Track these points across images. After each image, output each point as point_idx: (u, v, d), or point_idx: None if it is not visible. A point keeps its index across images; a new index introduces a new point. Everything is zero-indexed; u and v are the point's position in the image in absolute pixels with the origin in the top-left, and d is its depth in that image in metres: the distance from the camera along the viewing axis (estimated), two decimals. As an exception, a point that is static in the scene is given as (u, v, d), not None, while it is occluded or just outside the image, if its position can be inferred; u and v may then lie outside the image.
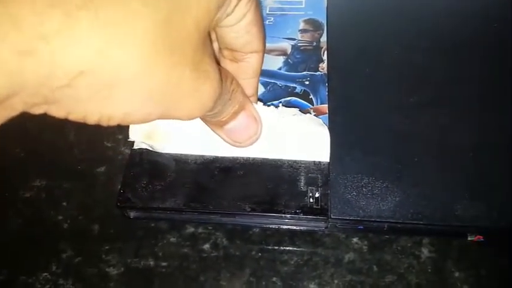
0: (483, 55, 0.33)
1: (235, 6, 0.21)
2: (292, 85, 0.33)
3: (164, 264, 0.28)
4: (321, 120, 0.30)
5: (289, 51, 0.35)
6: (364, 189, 0.27)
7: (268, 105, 0.29)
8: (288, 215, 0.27)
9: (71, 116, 0.17)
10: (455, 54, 0.33)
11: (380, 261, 0.28)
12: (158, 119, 0.19)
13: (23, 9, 0.13)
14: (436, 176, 0.27)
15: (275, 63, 0.34)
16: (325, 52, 0.34)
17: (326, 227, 0.28)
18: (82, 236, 0.29)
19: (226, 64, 0.25)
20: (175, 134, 0.29)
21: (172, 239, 0.29)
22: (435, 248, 0.28)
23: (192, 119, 0.20)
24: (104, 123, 0.17)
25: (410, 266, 0.27)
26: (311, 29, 0.36)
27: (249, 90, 0.27)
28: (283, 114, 0.28)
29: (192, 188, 0.28)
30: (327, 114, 0.30)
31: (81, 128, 0.34)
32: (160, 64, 0.16)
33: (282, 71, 0.34)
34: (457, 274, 0.27)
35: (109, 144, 0.33)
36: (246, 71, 0.26)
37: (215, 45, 0.26)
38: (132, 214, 0.29)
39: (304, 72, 0.33)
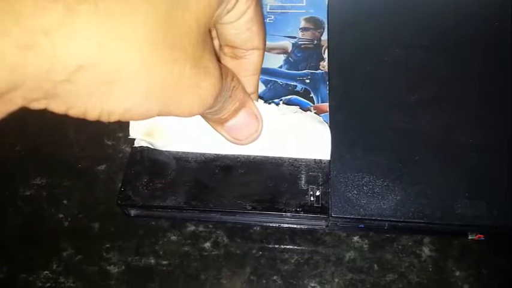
0: (484, 53, 0.33)
1: (236, 2, 0.21)
2: (292, 83, 0.33)
3: (165, 262, 0.28)
4: (321, 117, 0.30)
5: (289, 49, 0.35)
6: (365, 188, 0.27)
7: (269, 103, 0.29)
8: (289, 214, 0.26)
9: (71, 112, 0.17)
10: (456, 52, 0.33)
11: (381, 259, 0.28)
12: (158, 115, 0.19)
13: (24, 3, 0.13)
14: (436, 174, 0.27)
15: (276, 61, 0.34)
16: (326, 50, 0.34)
17: (327, 226, 0.28)
18: (83, 234, 0.29)
19: (227, 61, 0.25)
20: (176, 132, 0.29)
21: (173, 237, 0.29)
22: (436, 247, 0.28)
23: (193, 115, 0.20)
24: (104, 119, 0.17)
25: (411, 264, 0.27)
26: (312, 27, 0.36)
27: (250, 88, 0.27)
28: (283, 112, 0.28)
29: (192, 186, 0.28)
30: (328, 113, 0.30)
31: (82, 126, 0.34)
32: (161, 59, 0.16)
33: (283, 69, 0.34)
34: (457, 273, 0.27)
35: (109, 142, 0.33)
36: (246, 68, 0.25)
37: (216, 43, 0.25)
38: (132, 212, 0.29)
39: (305, 71, 0.33)
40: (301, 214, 0.26)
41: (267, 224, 0.29)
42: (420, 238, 0.28)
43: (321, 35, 0.35)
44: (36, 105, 0.16)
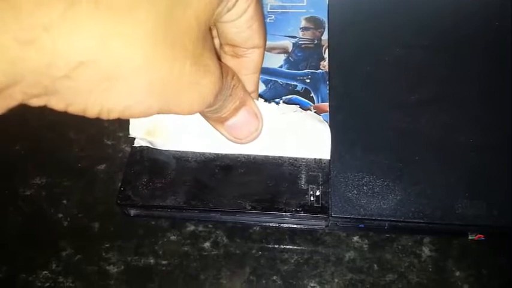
0: (484, 53, 0.33)
1: (237, 1, 0.21)
2: (293, 83, 0.33)
3: (164, 262, 0.28)
4: (321, 117, 0.29)
5: (290, 49, 0.35)
6: (365, 188, 0.27)
7: (269, 102, 0.29)
8: (289, 214, 0.26)
9: (70, 109, 0.17)
10: (456, 52, 0.33)
11: (380, 260, 0.28)
12: (158, 113, 0.19)
13: None
14: (437, 174, 0.27)
15: (276, 61, 0.34)
16: (326, 50, 0.34)
17: (327, 226, 0.28)
18: (82, 234, 0.29)
19: (228, 60, 0.25)
20: (176, 131, 0.29)
21: (173, 237, 0.29)
22: (436, 247, 0.28)
23: (193, 113, 0.20)
24: (104, 116, 0.17)
25: (411, 264, 0.27)
26: (312, 26, 0.36)
27: (250, 87, 0.27)
28: (283, 111, 0.28)
29: (192, 186, 0.28)
30: (328, 112, 0.30)
31: (82, 126, 0.34)
32: (161, 56, 0.16)
33: (283, 69, 0.34)
34: (457, 273, 0.27)
35: (109, 142, 0.33)
36: (247, 67, 0.25)
37: (216, 41, 0.25)
38: (132, 212, 0.29)
39: (305, 70, 0.33)
40: (301, 214, 0.26)
41: (267, 224, 0.29)
42: (420, 238, 0.28)
43: (322, 34, 0.35)
44: (36, 102, 0.16)
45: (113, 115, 0.17)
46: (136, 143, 0.30)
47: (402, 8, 0.36)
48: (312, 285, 0.27)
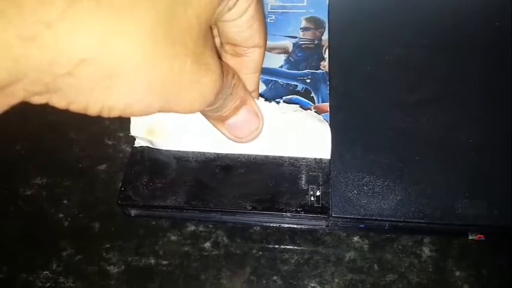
0: (484, 53, 0.33)
1: (237, 0, 0.21)
2: (293, 83, 0.33)
3: (165, 262, 0.28)
4: (321, 116, 0.29)
5: (290, 49, 0.35)
6: (365, 188, 0.27)
7: (270, 102, 0.29)
8: (289, 214, 0.26)
9: (72, 107, 0.17)
10: (457, 52, 0.33)
11: (381, 260, 0.28)
12: (159, 111, 0.19)
13: None
14: (437, 174, 0.27)
15: (276, 61, 0.34)
16: (327, 50, 0.34)
17: (327, 226, 0.28)
18: (83, 234, 0.29)
19: (228, 59, 0.25)
20: (176, 130, 0.29)
21: (173, 237, 0.29)
22: (436, 247, 0.28)
23: (193, 112, 0.20)
24: (105, 114, 0.17)
25: (411, 265, 0.27)
26: (312, 27, 0.36)
27: (251, 86, 0.27)
28: (284, 110, 0.28)
29: (193, 186, 0.28)
30: (328, 112, 0.30)
31: (82, 125, 0.34)
32: (161, 54, 0.16)
33: (284, 69, 0.34)
34: (457, 273, 0.27)
35: (110, 142, 0.33)
36: (247, 66, 0.26)
37: (217, 41, 0.26)
38: (133, 212, 0.29)
39: (306, 71, 0.33)
40: (302, 214, 0.26)
41: (267, 224, 0.29)
42: (420, 238, 0.28)
43: (322, 34, 0.35)
44: (38, 99, 0.16)
45: (114, 113, 0.17)
46: (137, 143, 0.30)
47: (402, 8, 0.36)
48: (312, 285, 0.27)
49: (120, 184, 0.28)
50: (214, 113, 0.24)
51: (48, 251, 0.29)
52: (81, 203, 0.31)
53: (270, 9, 0.37)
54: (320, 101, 0.31)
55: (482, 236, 0.27)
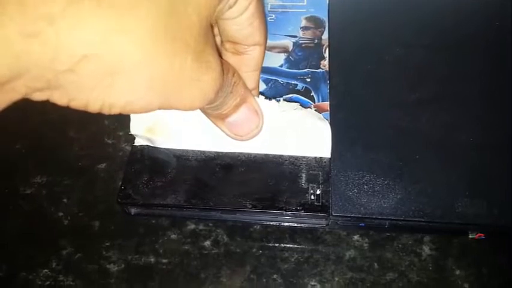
0: (484, 52, 0.33)
1: None
2: (293, 82, 0.33)
3: (165, 261, 0.28)
4: (321, 115, 0.30)
5: (290, 48, 0.35)
6: (365, 187, 0.27)
7: (270, 100, 0.29)
8: (289, 212, 0.26)
9: (73, 103, 0.17)
10: (457, 51, 0.33)
11: (381, 258, 0.28)
12: (160, 108, 0.19)
13: None
14: (437, 173, 0.27)
15: (276, 60, 0.34)
16: (327, 49, 0.34)
17: (327, 224, 0.28)
18: (82, 232, 0.29)
19: (228, 57, 0.25)
20: (177, 129, 0.29)
21: (173, 236, 0.29)
22: (436, 246, 0.28)
23: (194, 109, 0.20)
24: (106, 111, 0.17)
25: (411, 263, 0.27)
26: (312, 26, 0.36)
27: (251, 84, 0.27)
28: (284, 109, 0.28)
29: (192, 184, 0.28)
30: (328, 111, 0.30)
31: (82, 124, 0.34)
32: (162, 52, 0.16)
33: (284, 68, 0.34)
34: (457, 272, 0.27)
35: (110, 141, 0.33)
36: (248, 64, 0.26)
37: (217, 39, 0.26)
38: (132, 211, 0.29)
39: (306, 70, 0.33)
40: (302, 213, 0.26)
41: (267, 223, 0.29)
42: (420, 237, 0.28)
43: (322, 34, 0.35)
44: (39, 96, 0.16)
45: (115, 110, 0.17)
46: (137, 142, 0.30)
47: (402, 8, 0.36)
48: (313, 284, 0.27)
49: (120, 183, 0.28)
50: (214, 110, 0.24)
51: (48, 249, 0.29)
52: (81, 201, 0.31)
53: (270, 8, 0.37)
54: (320, 100, 0.31)
55: (482, 234, 0.27)
